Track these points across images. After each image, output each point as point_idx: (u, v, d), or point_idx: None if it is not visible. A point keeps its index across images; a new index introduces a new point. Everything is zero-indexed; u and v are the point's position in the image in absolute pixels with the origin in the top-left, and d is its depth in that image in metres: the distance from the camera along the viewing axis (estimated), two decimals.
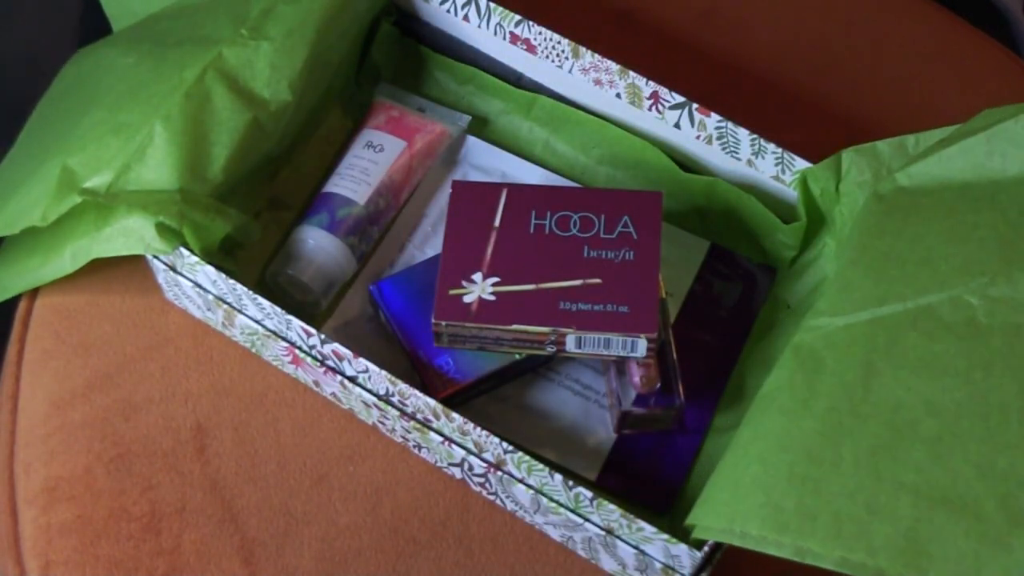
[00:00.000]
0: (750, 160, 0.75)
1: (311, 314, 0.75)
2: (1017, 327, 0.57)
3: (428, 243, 0.78)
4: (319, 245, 0.74)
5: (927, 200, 0.64)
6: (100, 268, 0.76)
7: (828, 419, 0.58)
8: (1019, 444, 0.54)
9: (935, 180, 0.64)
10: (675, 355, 0.71)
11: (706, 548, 0.62)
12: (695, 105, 0.75)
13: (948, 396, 0.56)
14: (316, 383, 0.73)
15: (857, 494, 0.56)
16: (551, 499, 0.66)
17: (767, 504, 0.58)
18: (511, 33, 0.79)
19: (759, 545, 0.57)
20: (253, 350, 0.75)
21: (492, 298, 0.68)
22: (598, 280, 0.68)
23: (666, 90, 0.75)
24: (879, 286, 0.62)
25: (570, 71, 0.78)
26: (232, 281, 0.69)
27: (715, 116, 0.74)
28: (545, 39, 0.77)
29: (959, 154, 0.64)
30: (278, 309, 0.68)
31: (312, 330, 0.68)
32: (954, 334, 0.58)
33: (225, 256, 0.74)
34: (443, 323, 0.68)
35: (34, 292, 0.78)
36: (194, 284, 0.72)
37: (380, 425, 0.73)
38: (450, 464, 0.71)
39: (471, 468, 0.69)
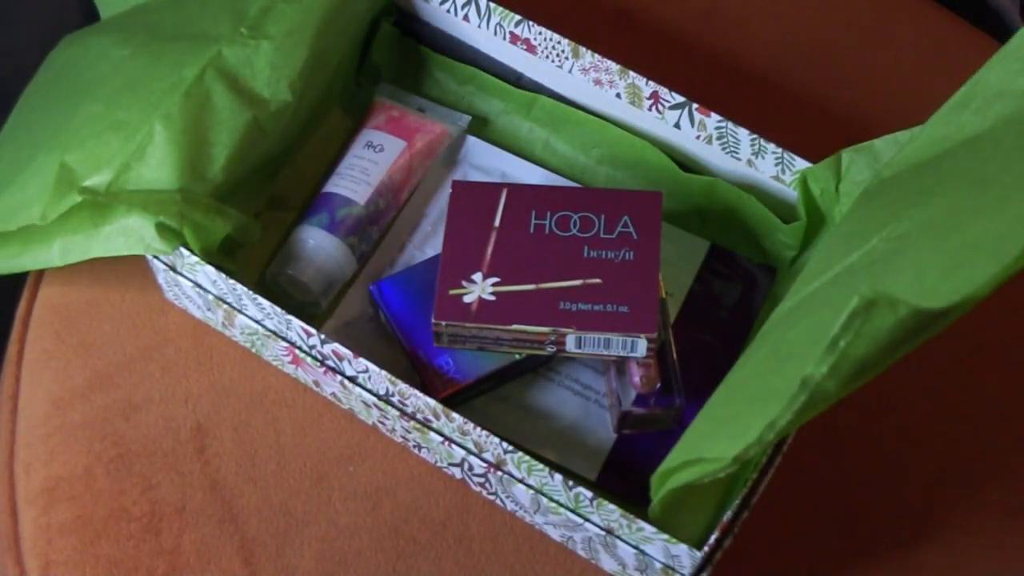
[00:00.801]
0: (750, 160, 0.75)
1: (311, 314, 0.75)
2: (896, 252, 0.58)
3: (428, 243, 0.78)
4: (319, 245, 0.74)
5: (893, 182, 0.65)
6: (100, 268, 0.76)
7: (747, 369, 0.62)
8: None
9: (906, 164, 0.65)
10: (675, 355, 0.71)
11: (706, 548, 0.62)
12: (695, 105, 0.75)
13: (817, 316, 0.59)
14: (316, 383, 0.73)
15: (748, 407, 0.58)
16: (551, 499, 0.66)
17: (685, 444, 0.61)
18: (511, 33, 0.79)
19: (680, 478, 0.60)
20: (253, 350, 0.75)
21: (492, 298, 0.68)
22: (598, 280, 0.68)
23: (666, 90, 0.75)
24: (821, 264, 0.63)
25: (570, 71, 0.78)
26: (232, 281, 0.69)
27: (715, 116, 0.74)
28: (545, 39, 0.77)
29: (925, 134, 0.65)
30: (278, 309, 0.68)
31: (312, 330, 0.68)
32: (852, 276, 0.60)
33: (225, 256, 0.74)
34: (443, 323, 0.68)
35: (34, 292, 0.78)
36: (194, 284, 0.72)
37: (380, 425, 0.73)
38: (450, 464, 0.71)
39: (471, 468, 0.69)
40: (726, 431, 0.57)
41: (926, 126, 0.65)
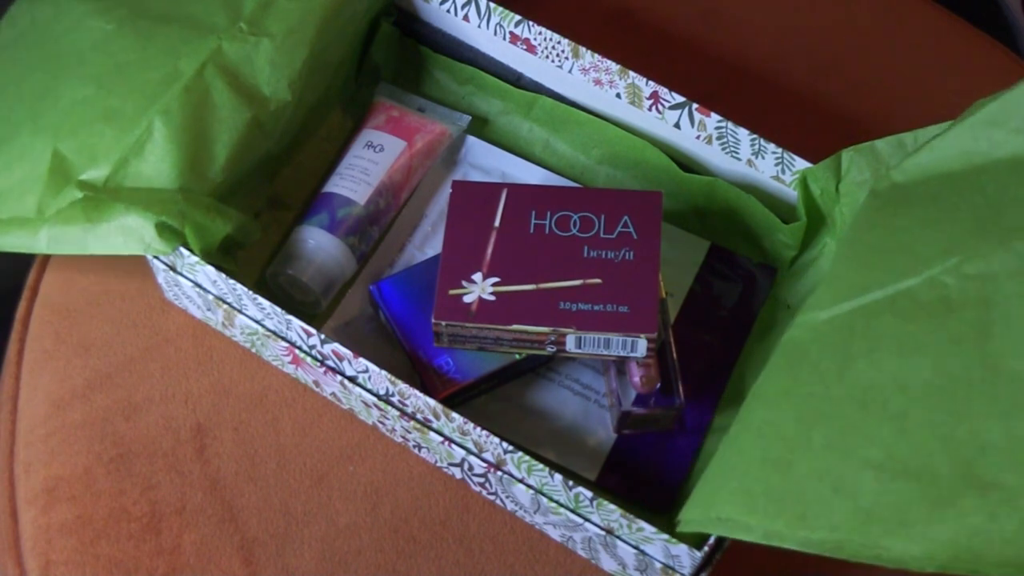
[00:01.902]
0: (750, 160, 0.75)
1: (311, 314, 0.75)
2: (987, 301, 0.57)
3: (428, 243, 0.78)
4: (319, 245, 0.74)
5: (916, 191, 0.65)
6: (100, 268, 0.76)
7: (804, 405, 0.59)
8: (981, 413, 0.54)
9: (925, 172, 0.65)
10: (675, 355, 0.71)
11: (706, 548, 0.62)
12: (695, 105, 0.75)
13: (917, 373, 0.57)
14: (316, 383, 0.73)
15: (824, 475, 0.56)
16: (551, 499, 0.66)
17: (739, 489, 0.59)
18: (511, 33, 0.79)
19: (732, 530, 0.58)
20: (253, 350, 0.75)
21: (492, 298, 0.68)
22: (598, 280, 0.68)
23: (666, 90, 0.75)
24: (863, 277, 0.62)
25: (570, 71, 0.78)
26: (232, 281, 0.69)
27: (715, 116, 0.74)
28: (545, 39, 0.77)
29: (947, 144, 0.64)
30: (278, 309, 0.68)
31: (312, 330, 0.68)
32: (927, 313, 0.58)
33: (225, 256, 0.74)
34: (443, 323, 0.68)
35: (34, 292, 0.78)
36: (194, 284, 0.72)
37: (380, 425, 0.73)
38: (450, 464, 0.71)
39: (471, 468, 0.69)
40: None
41: (946, 136, 0.64)
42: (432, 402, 0.66)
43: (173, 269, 0.73)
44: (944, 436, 0.54)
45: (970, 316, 0.57)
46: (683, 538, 0.63)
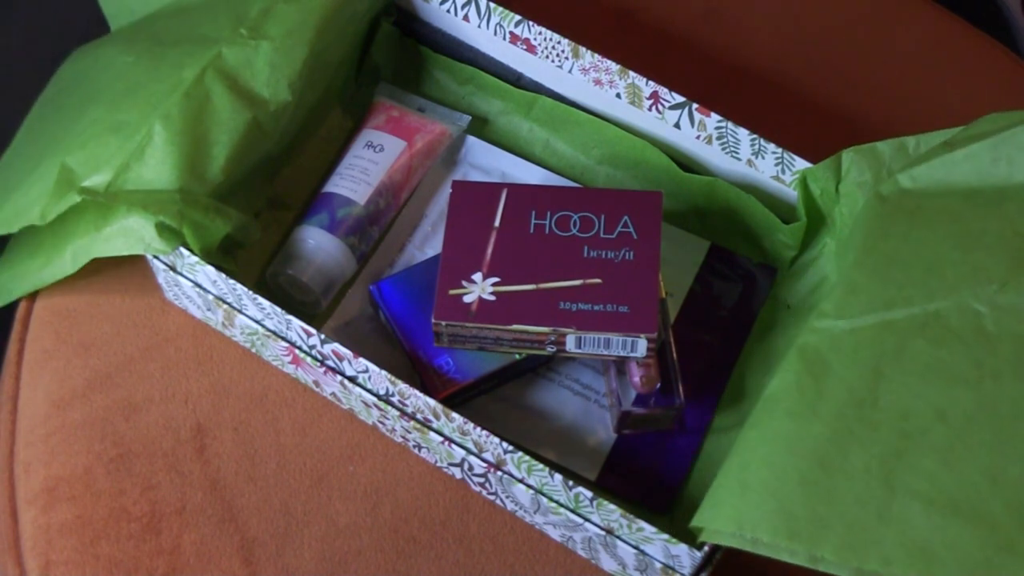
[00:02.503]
0: (750, 160, 0.75)
1: (311, 314, 0.75)
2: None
3: (428, 243, 0.78)
4: (319, 245, 0.74)
5: (931, 204, 0.64)
6: (100, 268, 0.76)
7: (837, 424, 0.58)
8: None
9: (939, 184, 0.64)
10: (675, 355, 0.71)
11: (706, 548, 0.62)
12: (695, 105, 0.75)
13: (957, 404, 0.56)
14: (316, 383, 0.73)
15: (868, 502, 0.56)
16: (551, 499, 0.66)
17: (779, 510, 0.58)
18: (511, 33, 0.79)
19: (772, 552, 0.57)
20: (253, 350, 0.75)
21: (492, 298, 0.68)
22: (598, 280, 0.68)
23: (666, 90, 0.75)
24: (885, 290, 0.62)
25: (570, 71, 0.78)
26: (232, 281, 0.69)
27: (715, 116, 0.74)
28: (545, 39, 0.77)
29: (964, 159, 0.64)
30: (278, 309, 0.68)
31: (312, 330, 0.68)
32: (962, 341, 0.58)
33: (225, 256, 0.74)
34: (443, 323, 0.68)
35: (34, 292, 0.78)
36: (194, 284, 0.72)
37: (380, 425, 0.73)
38: (450, 464, 0.71)
39: (471, 468, 0.69)
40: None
41: (963, 150, 0.64)
42: (432, 402, 0.66)
43: (173, 269, 0.73)
44: (992, 474, 0.54)
45: (1008, 351, 0.57)
46: (682, 537, 0.63)
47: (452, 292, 0.69)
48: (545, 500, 0.66)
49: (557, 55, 0.78)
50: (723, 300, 0.76)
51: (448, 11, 0.80)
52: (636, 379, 0.70)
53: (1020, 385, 0.56)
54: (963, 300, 0.58)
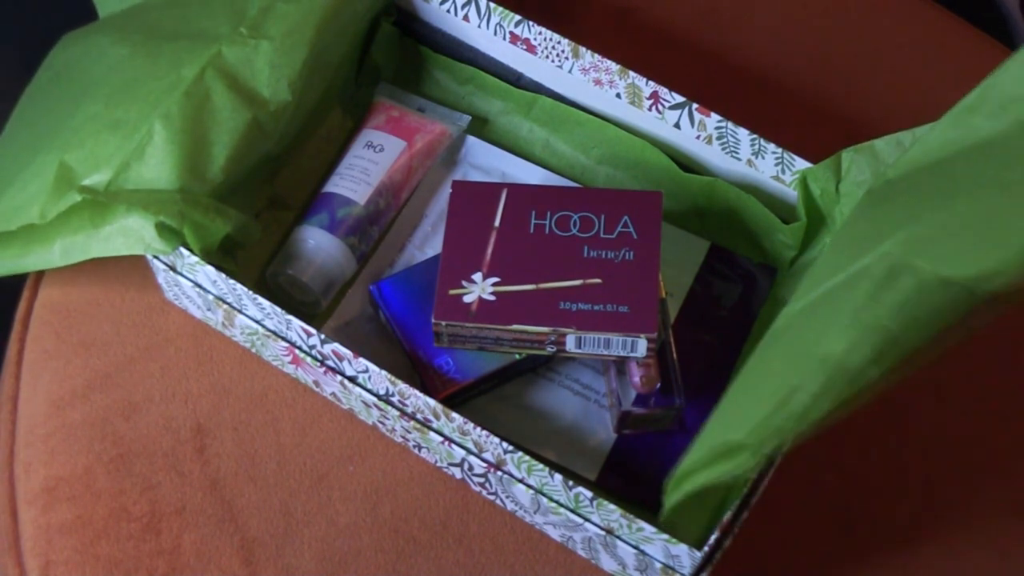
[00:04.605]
0: (750, 160, 0.75)
1: (311, 314, 0.75)
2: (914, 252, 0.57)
3: (428, 243, 0.78)
4: (319, 245, 0.74)
5: (901, 185, 0.65)
6: (100, 268, 0.76)
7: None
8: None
9: (913, 165, 0.65)
10: (675, 355, 0.71)
11: (706, 548, 0.62)
12: (695, 105, 0.75)
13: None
14: (316, 383, 0.73)
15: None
16: (551, 499, 0.66)
17: (693, 452, 0.59)
18: (511, 33, 0.79)
19: (693, 480, 0.58)
20: (253, 350, 0.75)
21: (492, 298, 0.68)
22: (598, 280, 0.68)
23: (666, 90, 0.75)
24: (834, 265, 0.63)
25: (570, 71, 0.78)
26: (232, 281, 0.69)
27: (715, 116, 0.74)
28: (545, 39, 0.77)
29: (933, 136, 0.64)
30: (278, 309, 0.68)
31: (312, 330, 0.68)
32: (875, 283, 0.59)
33: (225, 256, 0.74)
34: (443, 323, 0.68)
35: (34, 292, 0.78)
36: (194, 284, 0.72)
37: (380, 425, 0.73)
38: (450, 464, 0.71)
39: (471, 468, 0.69)
40: (743, 425, 0.57)
41: (934, 128, 0.65)
42: (432, 402, 0.66)
43: (173, 269, 0.73)
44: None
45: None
46: (683, 538, 0.63)
47: (452, 292, 0.69)
48: (545, 500, 0.66)
49: (557, 55, 0.78)
50: (723, 300, 0.76)
51: (448, 11, 0.80)
52: (636, 379, 0.70)
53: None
54: (886, 250, 0.59)
